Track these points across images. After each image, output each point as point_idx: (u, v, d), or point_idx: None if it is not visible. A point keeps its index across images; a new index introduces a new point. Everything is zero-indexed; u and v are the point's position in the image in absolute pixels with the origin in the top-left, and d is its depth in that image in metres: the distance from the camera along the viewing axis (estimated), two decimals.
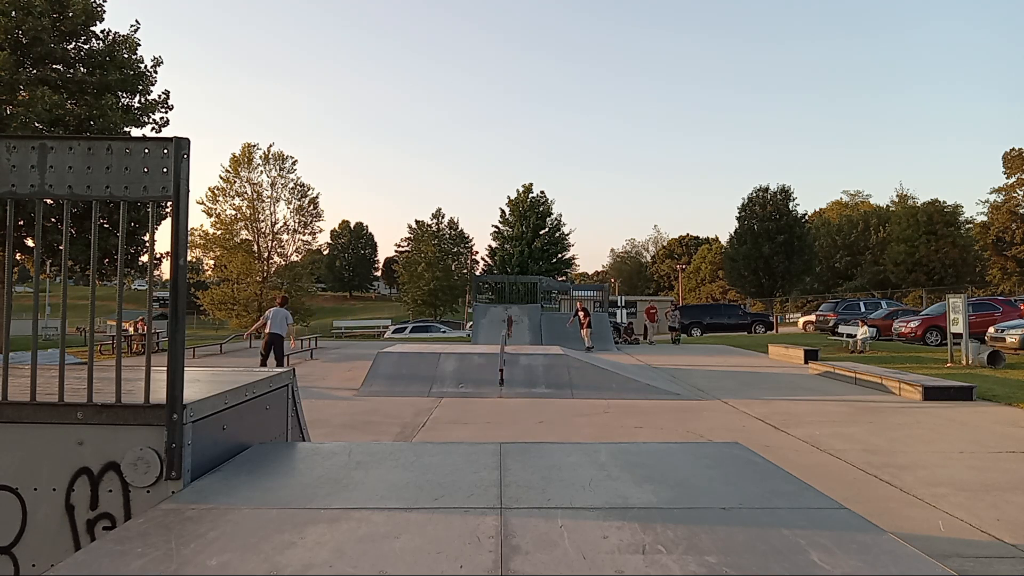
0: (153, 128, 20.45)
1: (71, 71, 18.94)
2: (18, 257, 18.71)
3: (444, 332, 34.23)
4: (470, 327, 25.37)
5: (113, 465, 2.28)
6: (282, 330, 11.89)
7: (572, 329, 20.29)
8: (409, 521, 2.07)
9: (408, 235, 59.85)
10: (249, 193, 37.66)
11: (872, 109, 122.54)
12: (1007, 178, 48.54)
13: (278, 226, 38.95)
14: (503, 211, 53.46)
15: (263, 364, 11.59)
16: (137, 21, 20.46)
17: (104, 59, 19.14)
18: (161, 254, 18.16)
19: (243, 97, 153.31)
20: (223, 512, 2.09)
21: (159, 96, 20.73)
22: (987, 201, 50.60)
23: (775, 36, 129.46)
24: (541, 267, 49.79)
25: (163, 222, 17.45)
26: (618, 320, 27.56)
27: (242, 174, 37.54)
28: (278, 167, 38.45)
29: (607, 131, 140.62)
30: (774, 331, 31.47)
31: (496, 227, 53.93)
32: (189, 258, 2.56)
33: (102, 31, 19.52)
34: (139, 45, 20.04)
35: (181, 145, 2.35)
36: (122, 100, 19.70)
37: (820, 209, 70.29)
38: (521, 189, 53.34)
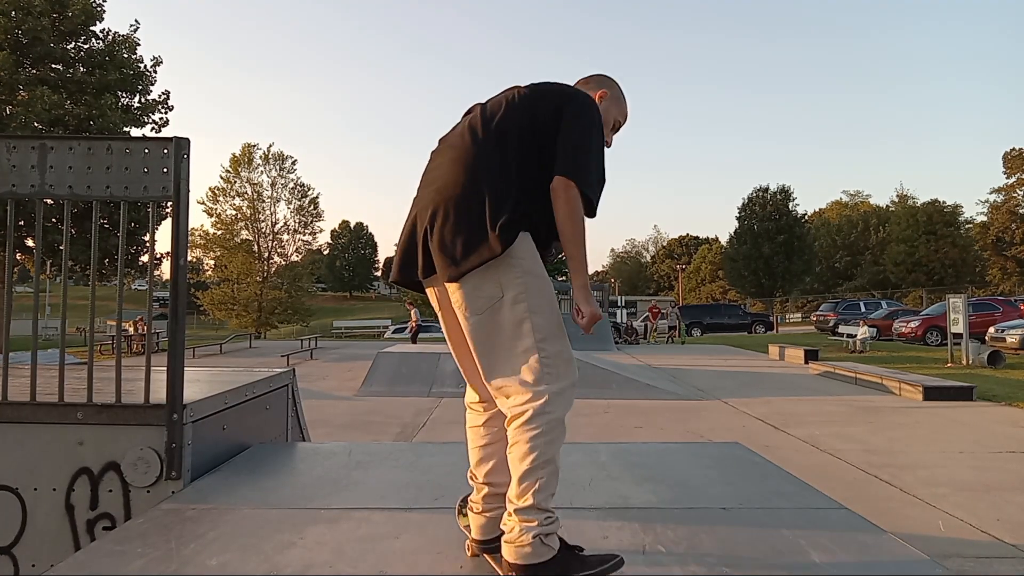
0: (153, 128, 20.45)
1: (71, 71, 18.94)
2: (18, 257, 18.71)
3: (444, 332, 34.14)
4: None
5: (113, 465, 2.28)
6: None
7: (574, 329, 20.17)
8: (409, 521, 2.07)
9: None
10: (249, 193, 37.63)
11: (872, 109, 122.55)
12: (1007, 178, 48.50)
13: (278, 226, 38.93)
14: None
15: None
16: (137, 21, 20.49)
17: (104, 59, 19.14)
18: (161, 254, 18.15)
19: (243, 97, 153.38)
20: (223, 512, 2.09)
21: (159, 96, 20.74)
22: (987, 201, 50.57)
23: (775, 35, 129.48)
24: None
25: (163, 222, 17.46)
26: (618, 320, 27.57)
27: (242, 174, 37.50)
28: (278, 167, 38.42)
29: None
30: (774, 331, 31.48)
31: None
32: (189, 258, 2.54)
33: (102, 31, 19.53)
34: (139, 45, 20.05)
35: (181, 145, 2.35)
36: (122, 100, 19.69)
37: (820, 209, 70.20)
38: None
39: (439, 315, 1.89)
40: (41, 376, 2.41)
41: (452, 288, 1.71)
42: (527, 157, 1.74)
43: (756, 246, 42.64)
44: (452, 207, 1.70)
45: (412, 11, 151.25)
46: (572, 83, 1.97)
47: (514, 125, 1.76)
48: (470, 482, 1.88)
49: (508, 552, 1.64)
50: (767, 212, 43.46)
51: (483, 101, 1.90)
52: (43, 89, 17.18)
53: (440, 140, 1.90)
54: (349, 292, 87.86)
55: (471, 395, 1.93)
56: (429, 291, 1.87)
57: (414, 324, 21.53)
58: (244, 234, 37.96)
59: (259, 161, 37.94)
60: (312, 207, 39.77)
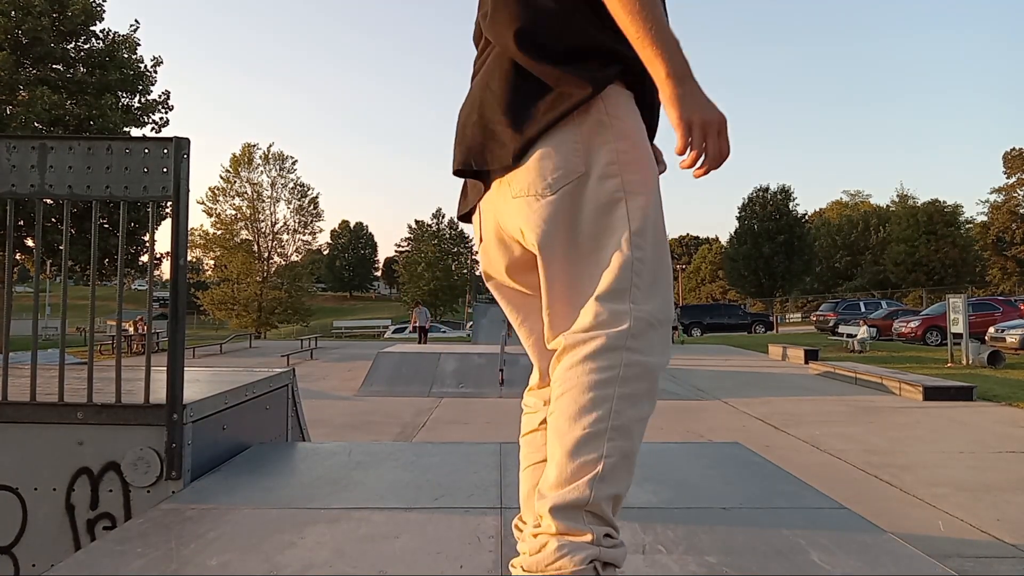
0: (153, 128, 20.46)
1: (71, 71, 18.95)
2: (18, 257, 18.71)
3: (444, 332, 34.23)
4: (470, 327, 25.33)
5: (113, 465, 2.28)
6: (425, 321, 20.68)
7: None
8: (409, 521, 2.07)
9: (408, 235, 59.89)
10: (249, 193, 37.71)
11: (872, 109, 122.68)
12: (1007, 178, 48.54)
13: (278, 226, 39.03)
14: None
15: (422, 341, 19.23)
16: (137, 21, 20.46)
17: (104, 59, 19.14)
18: (161, 254, 18.17)
19: (243, 97, 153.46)
20: (223, 512, 2.09)
21: (159, 96, 20.75)
22: (987, 201, 50.62)
23: (775, 37, 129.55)
24: None
25: (163, 222, 17.46)
26: None
27: (242, 174, 37.58)
28: (278, 167, 38.50)
29: None
30: (774, 331, 31.48)
31: None
32: (189, 258, 2.53)
33: (102, 31, 19.53)
34: (139, 45, 20.06)
35: (181, 145, 2.35)
36: (122, 100, 19.70)
37: (820, 209, 70.24)
38: None
39: (483, 246, 1.33)
40: (41, 376, 2.41)
41: (514, 176, 1.15)
42: None
43: (756, 246, 42.65)
44: (510, 55, 1.16)
45: (412, 12, 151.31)
46: None
47: None
48: (515, 530, 1.30)
49: None
50: (767, 212, 43.47)
51: None
52: (43, 89, 17.18)
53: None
54: (349, 292, 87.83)
55: (534, 382, 1.34)
56: (482, 206, 1.29)
57: (421, 324, 21.32)
58: (244, 234, 38.05)
59: (259, 161, 38.04)
60: (312, 207, 39.87)
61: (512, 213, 1.16)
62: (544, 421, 1.20)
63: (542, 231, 1.11)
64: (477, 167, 1.21)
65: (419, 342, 19.57)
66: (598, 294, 1.06)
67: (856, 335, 18.59)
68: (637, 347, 1.02)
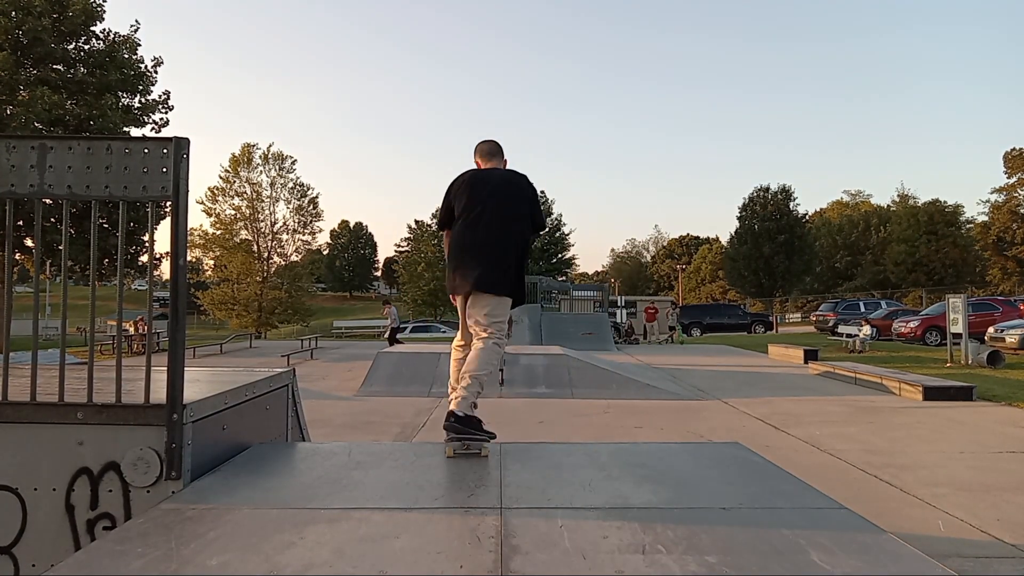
0: (153, 128, 20.46)
1: (71, 71, 18.95)
2: (18, 257, 18.71)
3: (444, 332, 34.22)
4: None
5: (113, 465, 2.28)
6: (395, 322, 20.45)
7: (573, 329, 20.27)
8: (409, 521, 2.07)
9: (408, 235, 59.79)
10: (249, 193, 37.61)
11: (873, 109, 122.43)
12: (1008, 178, 48.44)
13: (278, 226, 38.91)
14: None
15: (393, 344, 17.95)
16: (137, 21, 20.50)
17: (104, 59, 19.15)
18: (161, 254, 18.15)
19: (243, 97, 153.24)
20: (223, 512, 2.09)
21: (159, 96, 20.76)
22: (988, 201, 50.50)
23: (775, 36, 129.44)
24: (541, 267, 49.73)
25: (163, 222, 17.46)
26: (618, 320, 27.57)
27: (242, 174, 37.48)
28: (278, 167, 38.39)
29: (607, 131, 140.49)
30: (774, 331, 31.47)
31: None
32: (189, 258, 2.53)
33: (102, 31, 19.55)
34: (139, 45, 20.08)
35: (181, 145, 2.35)
36: (122, 100, 19.70)
37: (821, 209, 70.18)
38: None
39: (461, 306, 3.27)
40: (41, 376, 2.41)
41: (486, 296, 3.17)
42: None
43: (756, 246, 42.62)
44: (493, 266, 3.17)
45: (411, 12, 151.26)
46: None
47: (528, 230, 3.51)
48: (451, 389, 3.24)
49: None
50: (768, 212, 43.44)
51: (494, 188, 3.33)
52: (43, 89, 17.17)
53: (481, 209, 3.24)
54: (349, 292, 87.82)
55: (459, 340, 3.37)
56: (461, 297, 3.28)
57: (394, 325, 20.65)
58: (243, 234, 37.95)
59: (259, 161, 37.93)
60: (312, 207, 39.77)
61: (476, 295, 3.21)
62: (464, 357, 3.24)
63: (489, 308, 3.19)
64: (483, 291, 3.19)
65: (391, 343, 18.50)
66: (491, 327, 3.16)
67: (856, 335, 18.59)
68: (500, 345, 3.18)
